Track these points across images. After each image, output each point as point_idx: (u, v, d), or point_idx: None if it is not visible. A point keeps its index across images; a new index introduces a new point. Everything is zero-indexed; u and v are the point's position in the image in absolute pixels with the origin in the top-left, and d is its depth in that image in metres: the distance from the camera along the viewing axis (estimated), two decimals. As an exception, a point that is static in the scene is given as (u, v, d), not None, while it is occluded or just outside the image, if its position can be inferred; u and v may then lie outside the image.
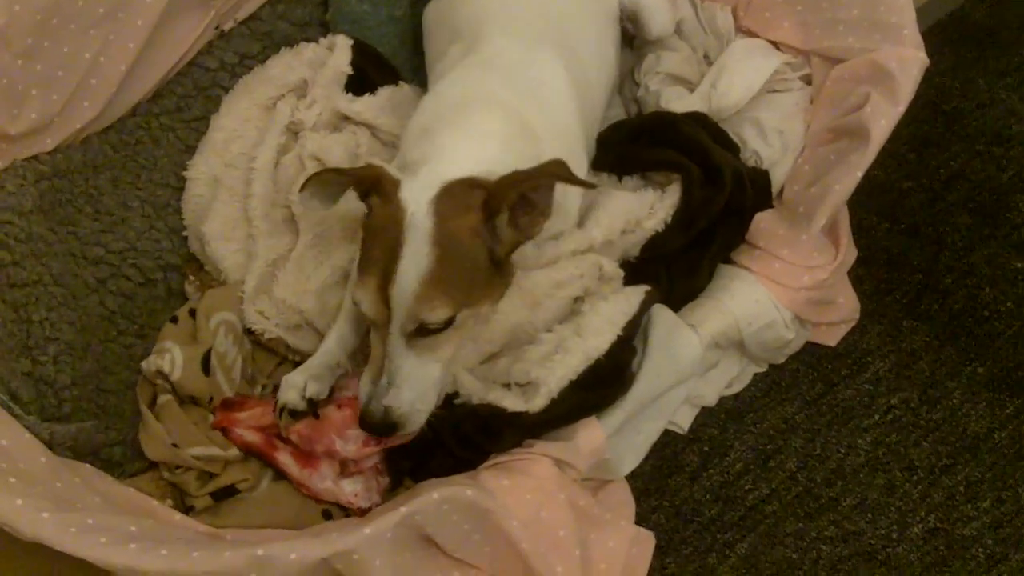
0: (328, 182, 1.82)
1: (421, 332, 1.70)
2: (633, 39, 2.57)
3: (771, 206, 2.20)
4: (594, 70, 2.23)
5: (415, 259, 1.66)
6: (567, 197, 1.93)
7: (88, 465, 1.83)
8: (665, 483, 2.32)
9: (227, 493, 1.93)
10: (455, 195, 1.71)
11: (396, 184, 1.74)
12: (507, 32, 2.10)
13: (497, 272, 1.77)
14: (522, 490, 1.74)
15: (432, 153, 1.81)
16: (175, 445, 1.91)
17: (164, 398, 1.98)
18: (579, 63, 2.14)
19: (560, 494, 1.77)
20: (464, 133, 1.85)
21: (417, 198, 1.70)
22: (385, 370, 1.72)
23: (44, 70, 2.08)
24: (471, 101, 1.93)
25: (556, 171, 1.70)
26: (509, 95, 1.94)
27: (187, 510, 1.90)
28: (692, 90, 2.41)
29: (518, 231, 1.75)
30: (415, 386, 1.73)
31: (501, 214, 1.71)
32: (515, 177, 1.69)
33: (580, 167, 2.02)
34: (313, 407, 1.95)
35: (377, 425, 1.73)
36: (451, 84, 2.03)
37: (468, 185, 1.72)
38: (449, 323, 1.70)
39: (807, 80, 2.40)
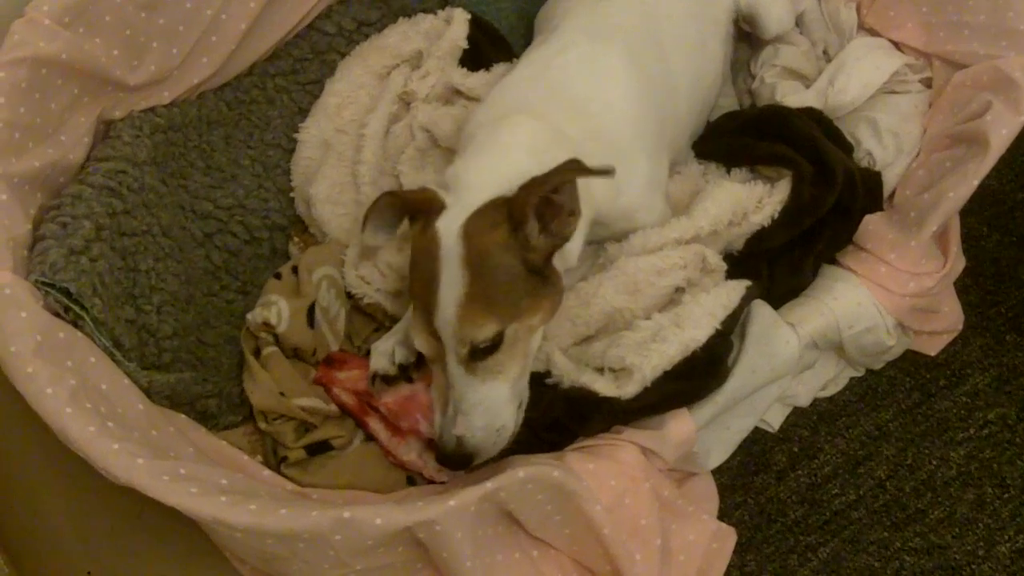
0: (386, 208, 1.84)
1: (476, 356, 1.69)
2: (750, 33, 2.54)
3: (881, 209, 2.16)
4: (686, 69, 2.20)
5: (451, 285, 1.67)
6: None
7: (183, 415, 1.87)
8: (751, 480, 2.30)
9: (321, 448, 1.95)
10: (482, 217, 1.70)
11: (441, 210, 1.74)
12: (579, 28, 2.10)
13: (541, 282, 1.74)
14: (607, 475, 1.73)
15: (464, 176, 1.79)
16: (282, 394, 1.94)
17: (269, 350, 2.00)
18: (661, 61, 2.12)
19: (645, 483, 1.76)
20: (493, 153, 1.83)
21: (449, 228, 1.70)
22: (451, 400, 1.72)
23: (166, 24, 2.10)
24: (507, 114, 1.91)
25: (570, 167, 1.67)
26: (549, 104, 1.93)
27: (279, 461, 1.93)
28: (808, 85, 2.38)
29: (551, 236, 1.73)
30: (485, 412, 1.72)
31: (528, 222, 1.69)
32: (532, 183, 1.67)
33: (635, 166, 1.97)
34: (405, 372, 1.98)
35: (452, 457, 1.73)
36: (499, 93, 2.03)
37: (493, 205, 1.71)
38: (499, 340, 1.69)
39: (927, 83, 2.35)
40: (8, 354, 1.56)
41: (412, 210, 1.81)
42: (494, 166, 1.78)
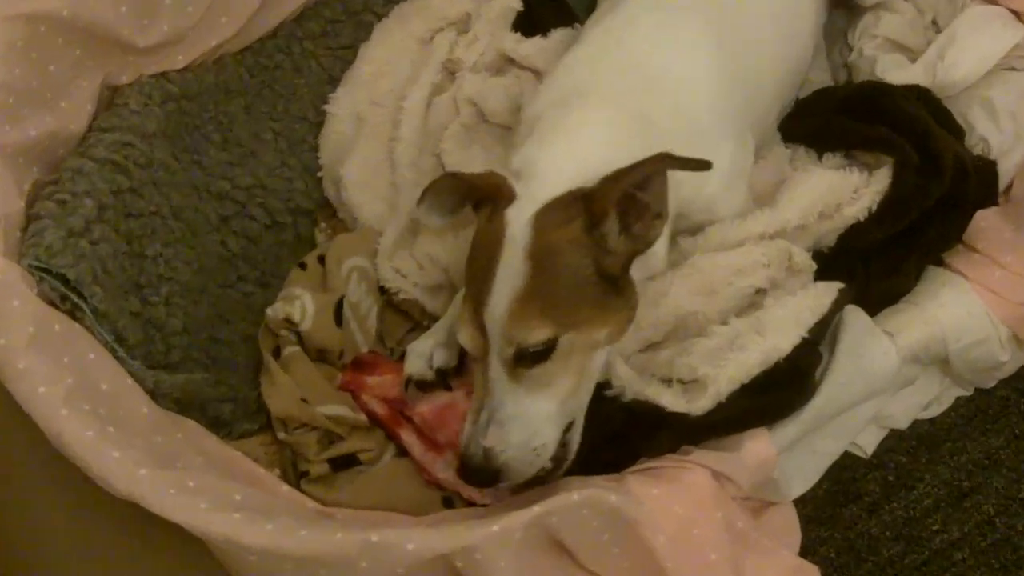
0: (446, 190, 1.84)
1: (524, 361, 1.67)
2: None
3: (996, 203, 2.15)
4: (772, 38, 2.19)
5: (508, 275, 1.66)
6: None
7: (192, 421, 1.87)
8: (838, 512, 2.28)
9: (347, 463, 1.96)
10: (556, 209, 1.69)
11: (511, 199, 1.73)
12: None
13: (613, 292, 1.72)
14: (673, 502, 1.72)
15: (538, 164, 1.78)
16: (304, 400, 1.95)
17: (291, 350, 2.02)
18: (744, 30, 2.11)
19: (717, 512, 1.75)
20: (568, 138, 1.82)
21: (519, 216, 1.70)
22: (486, 406, 1.71)
23: (181, -23, 2.12)
24: (579, 94, 1.91)
25: (662, 158, 1.65)
26: (624, 82, 1.93)
27: (300, 476, 1.94)
28: (914, 59, 2.36)
29: (632, 239, 1.71)
30: (522, 426, 1.69)
31: (607, 219, 1.67)
32: (616, 176, 1.66)
33: (720, 149, 1.95)
34: (443, 378, 1.99)
35: (476, 471, 1.71)
36: (565, 70, 2.03)
37: (570, 197, 1.70)
38: (551, 347, 1.67)
39: (1052, 59, 2.33)
40: (-2, 347, 1.58)
41: (478, 196, 1.80)
42: (572, 154, 1.78)
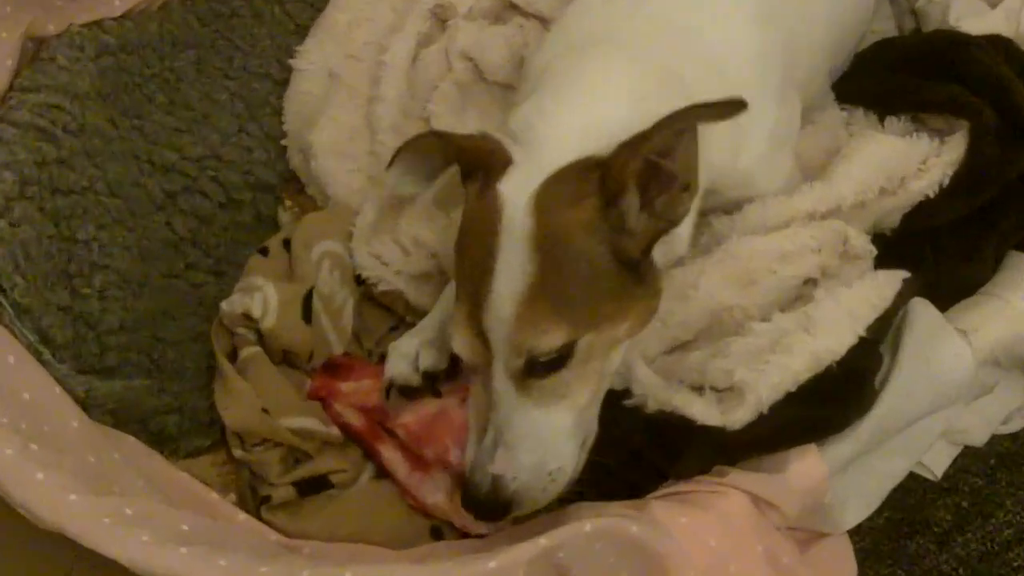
0: (428, 151, 1.81)
1: (533, 371, 1.64)
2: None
3: (1090, 176, 2.14)
4: None
5: (512, 272, 1.62)
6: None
7: (132, 438, 1.88)
8: (903, 545, 2.28)
9: (316, 486, 1.95)
10: (564, 182, 1.65)
11: (506, 166, 1.69)
12: None
13: (633, 280, 1.69)
14: (705, 533, 1.72)
15: (539, 125, 1.75)
16: (265, 411, 1.94)
17: (250, 351, 2.01)
18: None
19: (757, 544, 1.75)
20: (580, 95, 1.79)
21: (517, 193, 1.65)
22: (491, 425, 1.69)
23: (118, -93, 2.12)
24: (593, 43, 1.90)
25: (690, 113, 1.58)
26: (647, 29, 1.92)
27: (260, 503, 1.93)
28: (994, 5, 2.35)
29: (655, 216, 1.67)
30: (535, 447, 1.68)
31: (626, 194, 1.64)
32: (636, 140, 1.60)
33: (761, 113, 1.91)
34: (431, 382, 1.99)
35: (483, 502, 1.69)
36: (577, 16, 2.03)
37: (580, 168, 1.66)
38: (567, 353, 1.64)
39: None
40: (-101, 349, 1.58)
41: (466, 162, 1.76)
42: (582, 113, 1.74)
